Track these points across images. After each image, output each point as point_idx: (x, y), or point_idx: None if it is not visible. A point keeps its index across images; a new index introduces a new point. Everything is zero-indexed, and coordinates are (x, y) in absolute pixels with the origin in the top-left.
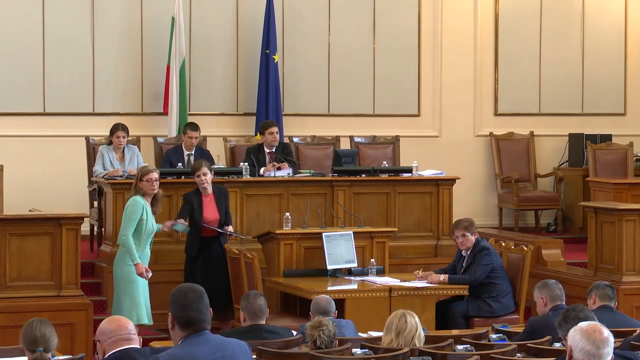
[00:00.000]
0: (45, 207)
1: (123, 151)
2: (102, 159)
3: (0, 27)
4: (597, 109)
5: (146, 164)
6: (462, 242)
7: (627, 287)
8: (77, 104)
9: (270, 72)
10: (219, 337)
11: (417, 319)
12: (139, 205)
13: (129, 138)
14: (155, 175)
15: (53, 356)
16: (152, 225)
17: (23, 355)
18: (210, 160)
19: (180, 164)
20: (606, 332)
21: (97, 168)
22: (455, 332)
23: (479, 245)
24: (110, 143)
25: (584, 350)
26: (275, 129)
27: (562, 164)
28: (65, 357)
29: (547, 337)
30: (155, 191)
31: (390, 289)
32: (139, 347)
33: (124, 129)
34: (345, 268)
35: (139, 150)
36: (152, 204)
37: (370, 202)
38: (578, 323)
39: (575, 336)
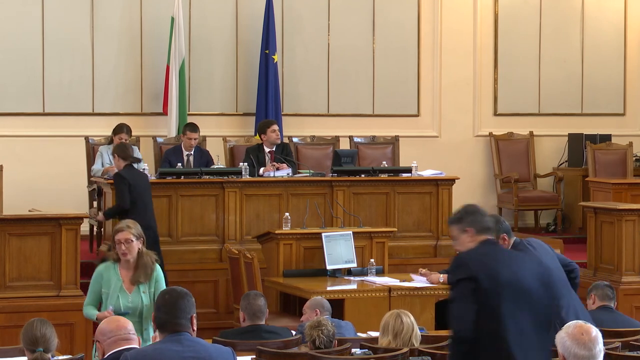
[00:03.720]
0: (45, 207)
1: None
2: (102, 159)
3: (0, 27)
4: (597, 109)
5: (122, 222)
6: None
7: (627, 287)
8: (77, 104)
9: (269, 72)
10: (198, 340)
11: (412, 317)
12: (97, 274)
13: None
14: (125, 235)
15: (53, 356)
16: (123, 304)
17: (23, 355)
18: (210, 161)
19: (179, 164)
20: (594, 331)
21: (96, 167)
22: None
23: None
24: (110, 142)
25: (577, 356)
26: (276, 127)
27: (561, 164)
28: (64, 357)
29: None
30: (128, 257)
31: (390, 289)
32: (138, 347)
33: (128, 131)
34: (345, 268)
35: (139, 151)
36: (140, 272)
37: (370, 202)
38: (479, 218)
39: (565, 343)
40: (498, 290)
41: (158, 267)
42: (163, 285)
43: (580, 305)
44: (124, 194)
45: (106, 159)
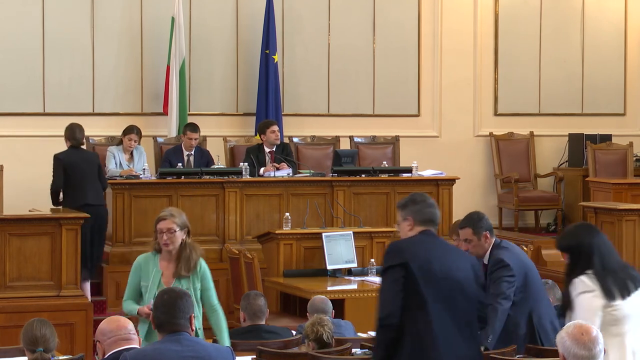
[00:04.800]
0: (45, 207)
1: (132, 153)
2: (113, 159)
3: (0, 27)
4: (597, 109)
5: (165, 210)
6: (458, 245)
7: None
8: (77, 104)
9: (270, 72)
10: (197, 340)
11: None
12: (136, 266)
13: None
14: (168, 224)
15: (53, 356)
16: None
17: (23, 355)
18: (210, 161)
19: (180, 164)
20: (594, 331)
21: (111, 166)
22: None
23: None
24: (119, 143)
25: (577, 356)
26: (276, 127)
27: (561, 164)
28: (64, 357)
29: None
30: (170, 248)
31: None
32: (138, 347)
33: (138, 132)
34: (345, 268)
35: (143, 151)
36: (182, 264)
37: (370, 202)
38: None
39: (565, 343)
40: (429, 280)
41: (203, 261)
42: (209, 283)
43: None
44: (57, 175)
45: (117, 160)
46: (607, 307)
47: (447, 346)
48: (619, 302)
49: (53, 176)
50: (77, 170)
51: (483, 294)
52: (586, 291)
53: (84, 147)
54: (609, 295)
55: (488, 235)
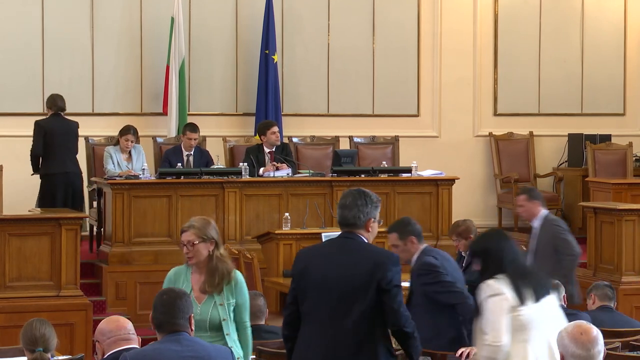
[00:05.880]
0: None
1: (130, 153)
2: (111, 159)
3: (0, 27)
4: (597, 109)
5: (190, 221)
6: (457, 245)
7: (627, 287)
8: (76, 104)
9: (269, 72)
10: (197, 340)
11: None
12: (167, 281)
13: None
14: (188, 236)
15: (52, 356)
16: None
17: (23, 355)
18: (210, 161)
19: (179, 164)
20: (594, 331)
21: (109, 167)
22: None
23: None
24: (116, 143)
25: (575, 355)
26: (276, 128)
27: (561, 164)
28: (64, 357)
29: None
30: (194, 261)
31: None
32: (138, 347)
33: (135, 133)
34: None
35: (143, 151)
36: (207, 279)
37: None
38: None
39: (564, 342)
40: (315, 293)
41: (238, 273)
42: (243, 298)
43: None
44: (37, 141)
45: (115, 160)
46: (513, 312)
47: (327, 355)
48: (525, 307)
49: (33, 142)
50: (56, 138)
51: (390, 297)
52: (493, 294)
53: (65, 115)
54: (521, 297)
55: (414, 240)
